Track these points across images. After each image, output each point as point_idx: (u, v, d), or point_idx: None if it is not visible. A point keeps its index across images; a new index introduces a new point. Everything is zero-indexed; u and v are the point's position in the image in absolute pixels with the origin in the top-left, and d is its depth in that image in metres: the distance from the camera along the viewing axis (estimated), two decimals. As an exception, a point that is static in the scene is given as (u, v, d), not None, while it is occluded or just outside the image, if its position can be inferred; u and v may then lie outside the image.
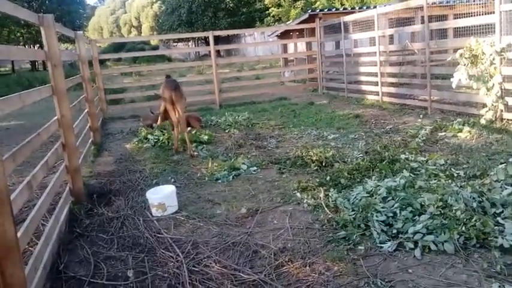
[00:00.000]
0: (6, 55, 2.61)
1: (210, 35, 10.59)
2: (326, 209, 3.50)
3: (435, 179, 3.74)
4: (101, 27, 71.17)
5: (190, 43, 47.78)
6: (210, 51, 10.94)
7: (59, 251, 3.13)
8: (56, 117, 3.87)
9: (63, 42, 29.45)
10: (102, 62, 10.36)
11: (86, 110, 6.54)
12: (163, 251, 3.04)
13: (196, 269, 2.75)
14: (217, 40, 11.25)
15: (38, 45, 30.09)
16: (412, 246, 2.76)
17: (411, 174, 3.86)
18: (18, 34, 29.94)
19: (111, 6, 73.66)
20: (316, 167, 4.66)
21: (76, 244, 3.28)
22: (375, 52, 8.84)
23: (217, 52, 10.94)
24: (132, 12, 64.15)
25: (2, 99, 2.32)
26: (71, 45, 28.51)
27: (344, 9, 14.67)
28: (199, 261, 2.87)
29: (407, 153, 4.73)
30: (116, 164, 5.65)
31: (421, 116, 7.17)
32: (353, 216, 3.21)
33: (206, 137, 6.48)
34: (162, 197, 3.76)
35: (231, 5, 39.18)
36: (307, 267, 2.66)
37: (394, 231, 2.93)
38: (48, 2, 29.97)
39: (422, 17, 7.63)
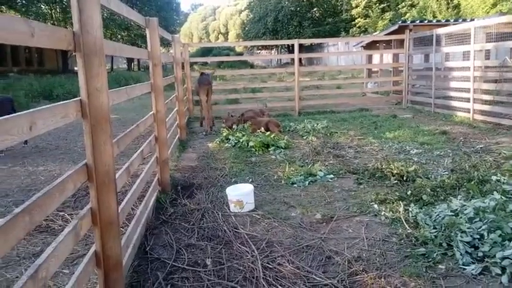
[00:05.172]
0: (119, 52, 2.94)
1: (296, 42, 10.72)
2: (405, 223, 3.40)
3: (531, 205, 3.43)
4: (191, 33, 75.27)
5: (273, 51, 48.68)
6: (293, 59, 11.08)
7: (146, 234, 3.42)
8: (151, 112, 4.22)
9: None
10: (190, 65, 10.98)
11: (175, 109, 7.00)
12: (239, 245, 3.17)
13: (270, 266, 2.84)
14: (301, 48, 11.33)
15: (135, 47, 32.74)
16: (499, 271, 2.58)
17: (503, 197, 3.58)
18: (119, 36, 32.79)
19: (202, 13, 77.76)
20: (396, 181, 4.52)
21: (161, 229, 3.55)
22: (469, 67, 8.32)
23: (299, 60, 11.05)
24: (221, 19, 67.20)
25: (114, 90, 2.61)
26: (163, 49, 30.52)
27: (437, 21, 13.98)
28: (273, 259, 2.95)
29: (499, 174, 4.38)
30: (199, 161, 5.98)
31: (517, 137, 6.60)
32: (434, 234, 3.08)
33: (284, 142, 6.59)
34: (240, 194, 3.92)
35: (317, 15, 39.31)
36: (383, 279, 2.61)
37: (480, 254, 2.76)
38: (147, 8, 32.44)
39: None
